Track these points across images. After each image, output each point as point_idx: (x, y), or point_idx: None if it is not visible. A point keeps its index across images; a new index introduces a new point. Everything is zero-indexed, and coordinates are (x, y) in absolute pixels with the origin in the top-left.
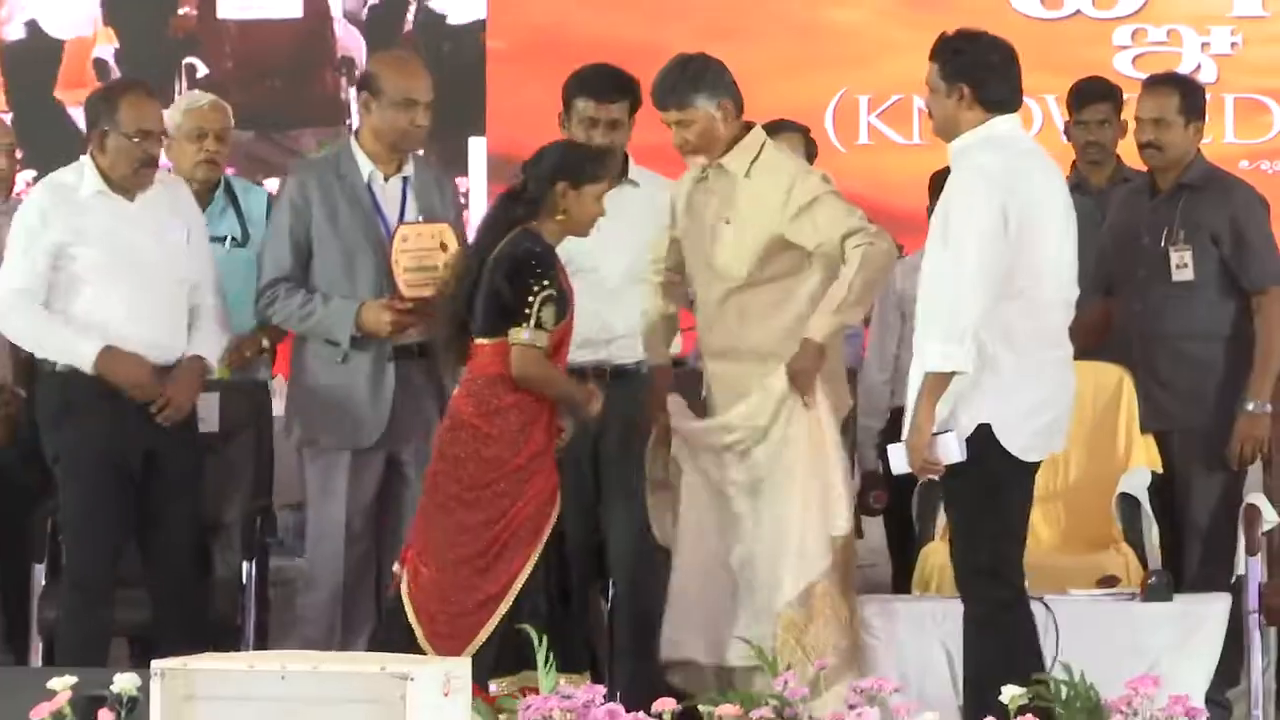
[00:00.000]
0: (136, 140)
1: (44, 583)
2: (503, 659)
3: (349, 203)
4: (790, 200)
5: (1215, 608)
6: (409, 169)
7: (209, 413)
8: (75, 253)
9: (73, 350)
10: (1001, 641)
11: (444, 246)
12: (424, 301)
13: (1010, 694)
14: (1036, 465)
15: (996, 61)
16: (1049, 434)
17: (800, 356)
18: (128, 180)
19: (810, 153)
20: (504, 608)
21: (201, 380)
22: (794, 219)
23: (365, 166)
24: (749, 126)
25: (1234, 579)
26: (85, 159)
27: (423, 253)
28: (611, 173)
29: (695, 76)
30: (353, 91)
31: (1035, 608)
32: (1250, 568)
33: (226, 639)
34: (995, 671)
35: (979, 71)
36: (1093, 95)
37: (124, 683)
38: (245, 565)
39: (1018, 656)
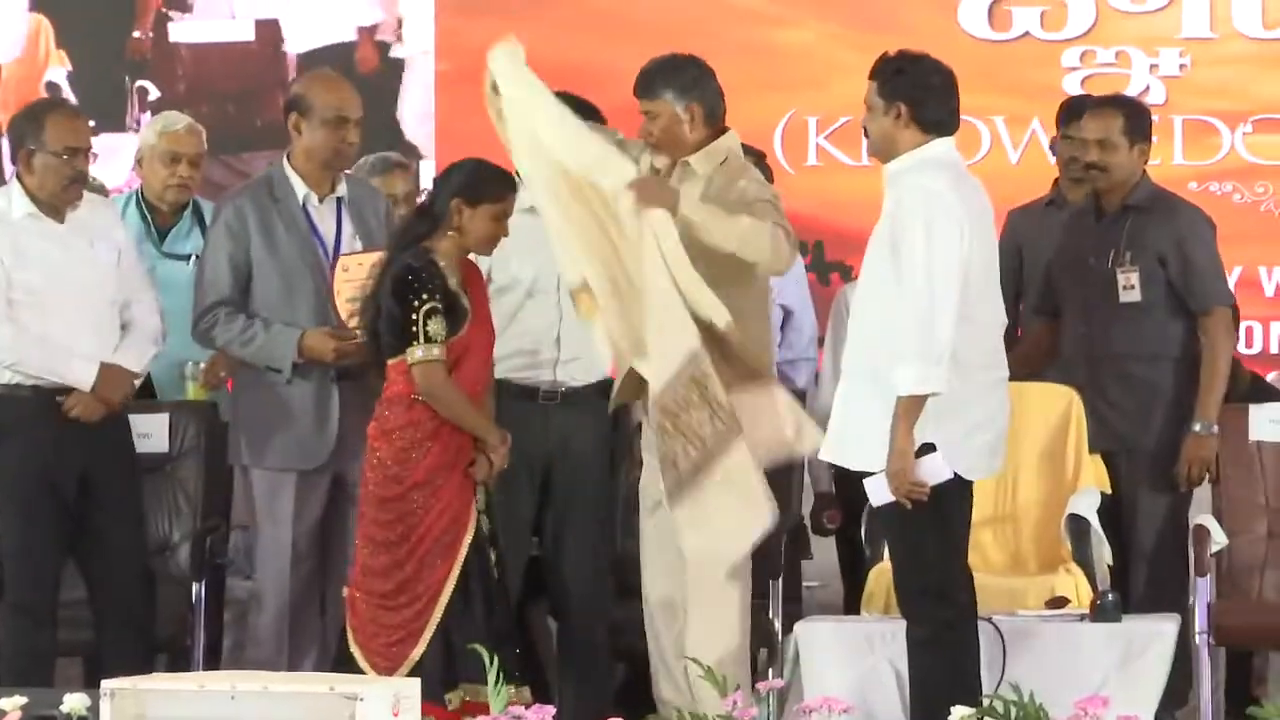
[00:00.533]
0: (65, 157)
1: None
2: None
3: (286, 227)
4: (738, 196)
5: (1164, 628)
6: (342, 189)
7: (158, 433)
8: (12, 277)
9: (65, 370)
10: (948, 661)
11: None
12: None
13: (959, 714)
14: (973, 485)
15: (937, 84)
16: (990, 454)
17: (652, 184)
18: (57, 198)
19: (765, 178)
20: (431, 625)
21: (122, 387)
22: (740, 208)
23: (300, 188)
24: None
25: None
26: (13, 182)
27: (365, 282)
28: (512, 195)
29: (669, 74)
30: None
31: (984, 628)
32: (1199, 588)
33: (176, 659)
34: (942, 692)
35: (918, 92)
36: (1082, 112)
37: (74, 703)
38: (195, 586)
39: (964, 676)
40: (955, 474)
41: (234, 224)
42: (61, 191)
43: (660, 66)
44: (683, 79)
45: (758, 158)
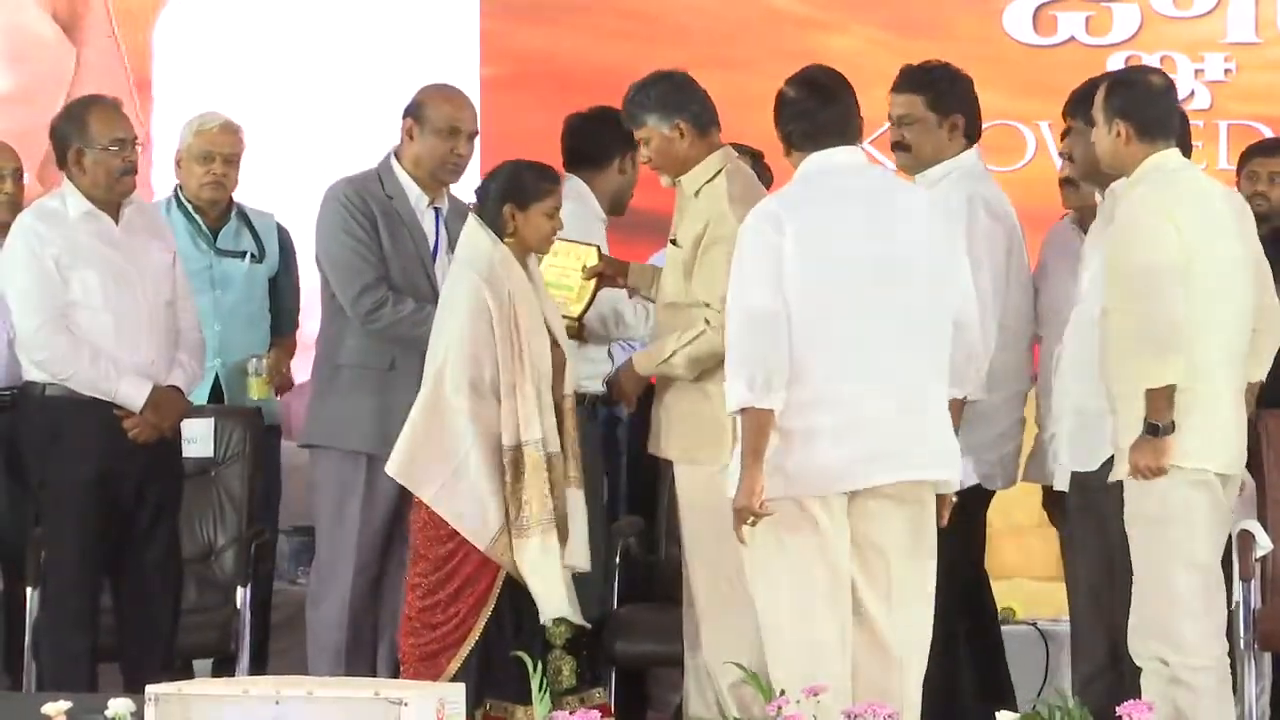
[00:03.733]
0: (114, 149)
1: (38, 607)
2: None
3: (403, 224)
4: (706, 235)
5: None
6: (443, 202)
7: (204, 438)
8: (69, 275)
9: (115, 390)
10: (979, 664)
11: (584, 269)
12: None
13: (1004, 718)
14: (992, 494)
15: (974, 95)
16: (1011, 464)
17: (624, 375)
18: (110, 191)
19: (763, 178)
20: (468, 645)
21: (174, 413)
22: (699, 257)
23: (412, 190)
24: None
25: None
26: (65, 184)
27: (565, 269)
28: (558, 188)
29: (646, 97)
30: None
31: (1029, 633)
32: (1243, 593)
33: (221, 665)
34: (966, 699)
35: (966, 105)
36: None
37: (118, 708)
38: (240, 591)
39: (996, 679)
40: (979, 484)
41: (360, 206)
42: (115, 184)
43: (636, 93)
44: (659, 99)
45: (754, 157)
